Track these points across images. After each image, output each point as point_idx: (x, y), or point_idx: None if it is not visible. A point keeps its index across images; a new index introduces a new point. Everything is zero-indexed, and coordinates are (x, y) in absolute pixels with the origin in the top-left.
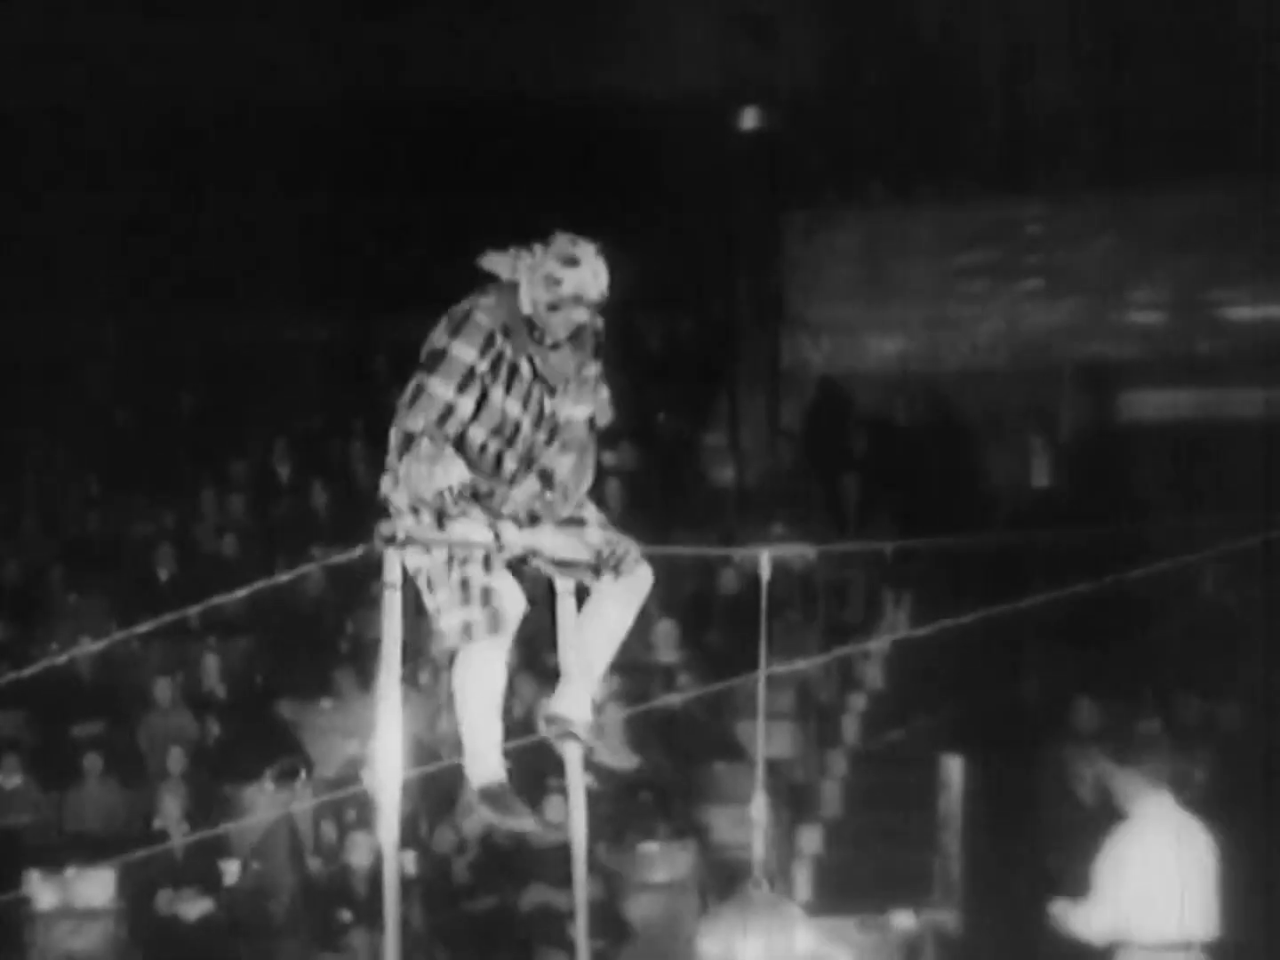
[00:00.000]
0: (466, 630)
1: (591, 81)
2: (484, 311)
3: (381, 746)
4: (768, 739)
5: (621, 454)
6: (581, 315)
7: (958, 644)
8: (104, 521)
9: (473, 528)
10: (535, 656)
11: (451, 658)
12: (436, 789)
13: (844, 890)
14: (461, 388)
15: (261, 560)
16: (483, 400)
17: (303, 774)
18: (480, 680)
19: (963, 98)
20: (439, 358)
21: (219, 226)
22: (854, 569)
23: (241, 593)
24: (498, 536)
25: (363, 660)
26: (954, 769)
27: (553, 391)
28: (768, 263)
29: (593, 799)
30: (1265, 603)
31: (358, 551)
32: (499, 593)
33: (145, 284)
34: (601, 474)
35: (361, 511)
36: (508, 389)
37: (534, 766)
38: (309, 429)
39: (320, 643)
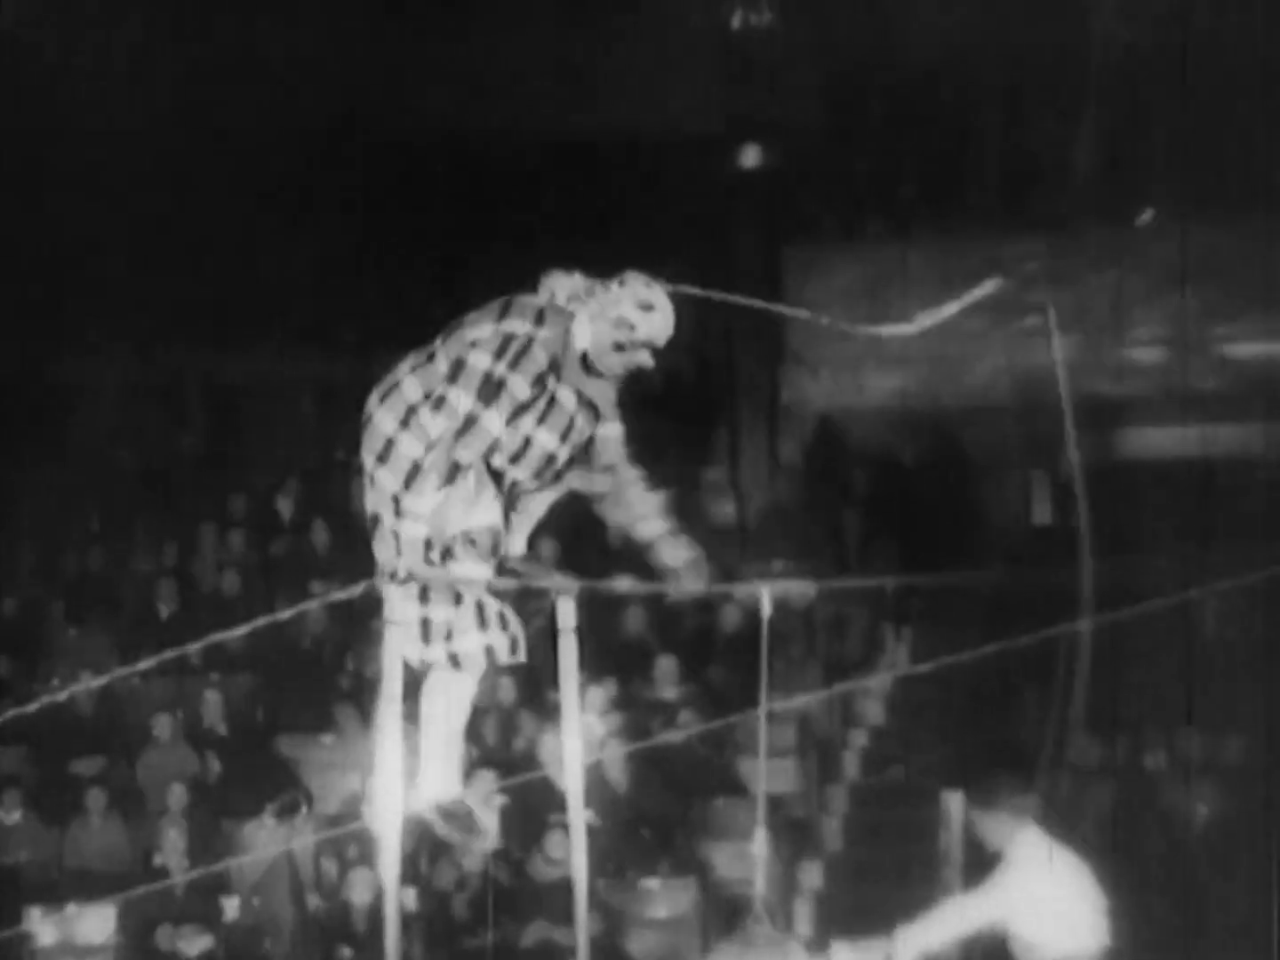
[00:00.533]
0: (489, 653)
1: (590, 119)
2: (542, 346)
3: (382, 783)
4: (769, 775)
5: None
6: (646, 359)
7: (959, 680)
8: (105, 557)
9: (474, 569)
10: (537, 692)
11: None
12: None
13: (845, 926)
14: (509, 422)
15: (262, 597)
16: (527, 443)
17: (303, 810)
18: (459, 704)
19: (962, 134)
20: (496, 389)
21: (219, 263)
22: (855, 605)
23: (242, 629)
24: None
25: (363, 696)
26: (955, 805)
27: (597, 416)
28: (767, 299)
29: (594, 835)
30: (1267, 639)
31: (359, 588)
32: (511, 619)
33: (146, 320)
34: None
35: (362, 548)
36: (541, 420)
37: (535, 802)
38: (309, 465)
39: (321, 679)
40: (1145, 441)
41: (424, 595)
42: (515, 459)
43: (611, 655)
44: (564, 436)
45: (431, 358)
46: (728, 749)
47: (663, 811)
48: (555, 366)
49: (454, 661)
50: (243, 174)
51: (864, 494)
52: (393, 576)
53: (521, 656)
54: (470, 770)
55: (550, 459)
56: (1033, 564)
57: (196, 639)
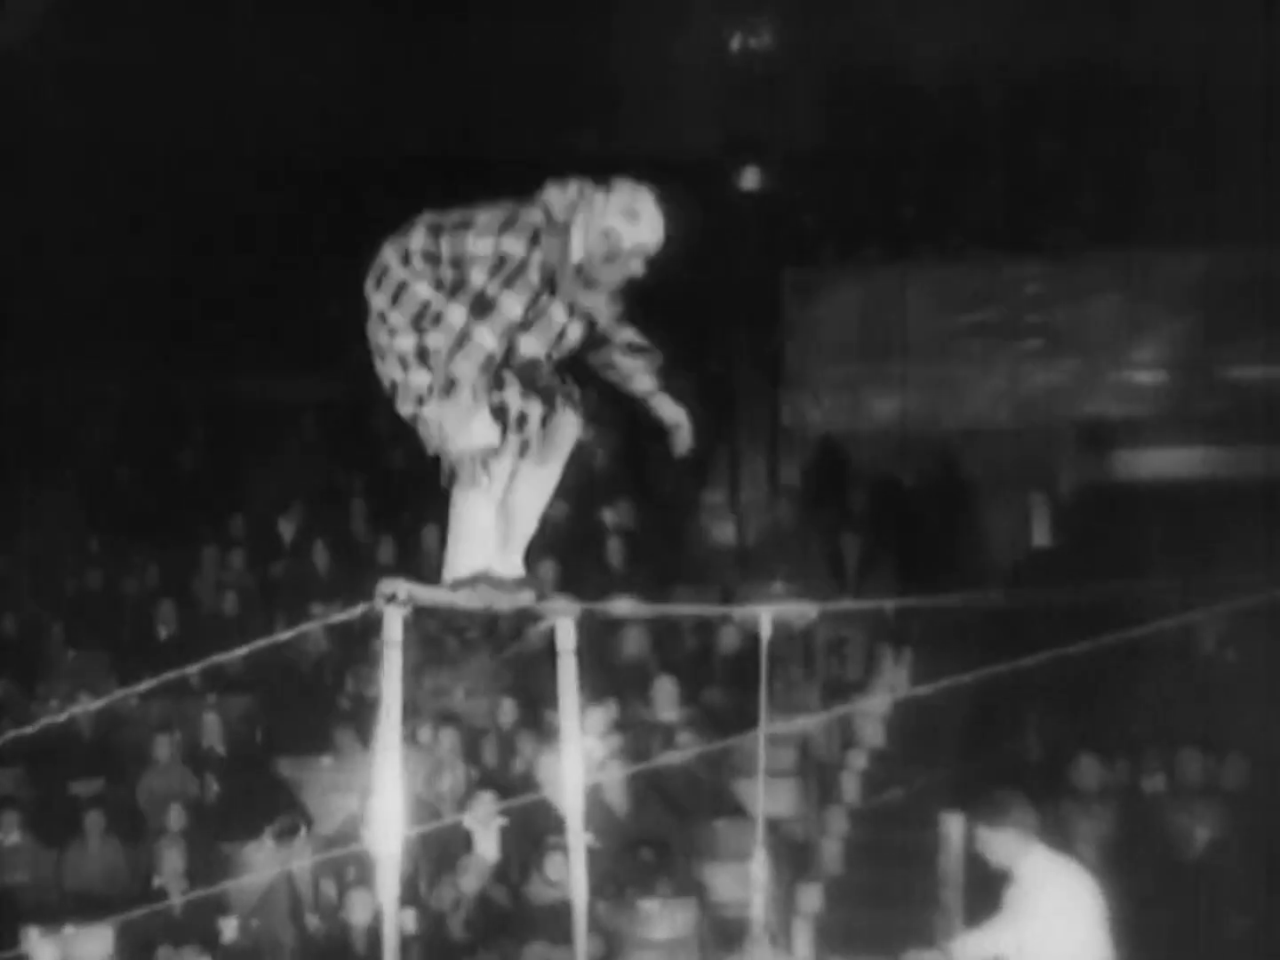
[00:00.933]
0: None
1: (590, 140)
2: (536, 268)
3: (381, 804)
4: (768, 796)
5: (621, 512)
6: (636, 267)
7: (958, 702)
8: (104, 579)
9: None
10: (536, 714)
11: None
12: (436, 847)
13: (844, 948)
14: (502, 338)
15: (262, 618)
16: (511, 350)
17: (302, 832)
18: (475, 514)
19: (963, 157)
20: (489, 306)
21: (220, 285)
22: (854, 627)
23: (242, 651)
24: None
25: (363, 718)
26: (954, 827)
27: (592, 326)
28: (767, 321)
29: (593, 856)
30: (1267, 661)
31: (358, 610)
32: (532, 422)
33: (147, 341)
34: (602, 532)
35: (362, 570)
36: (527, 328)
37: (534, 824)
38: (310, 487)
39: (320, 700)
40: (1146, 463)
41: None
42: (504, 363)
43: (611, 677)
44: (552, 345)
45: (438, 232)
46: (727, 770)
47: (662, 833)
48: (550, 283)
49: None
50: (244, 195)
51: (863, 516)
52: (392, 599)
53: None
54: (470, 792)
55: (533, 364)
56: (1032, 585)
57: (196, 660)
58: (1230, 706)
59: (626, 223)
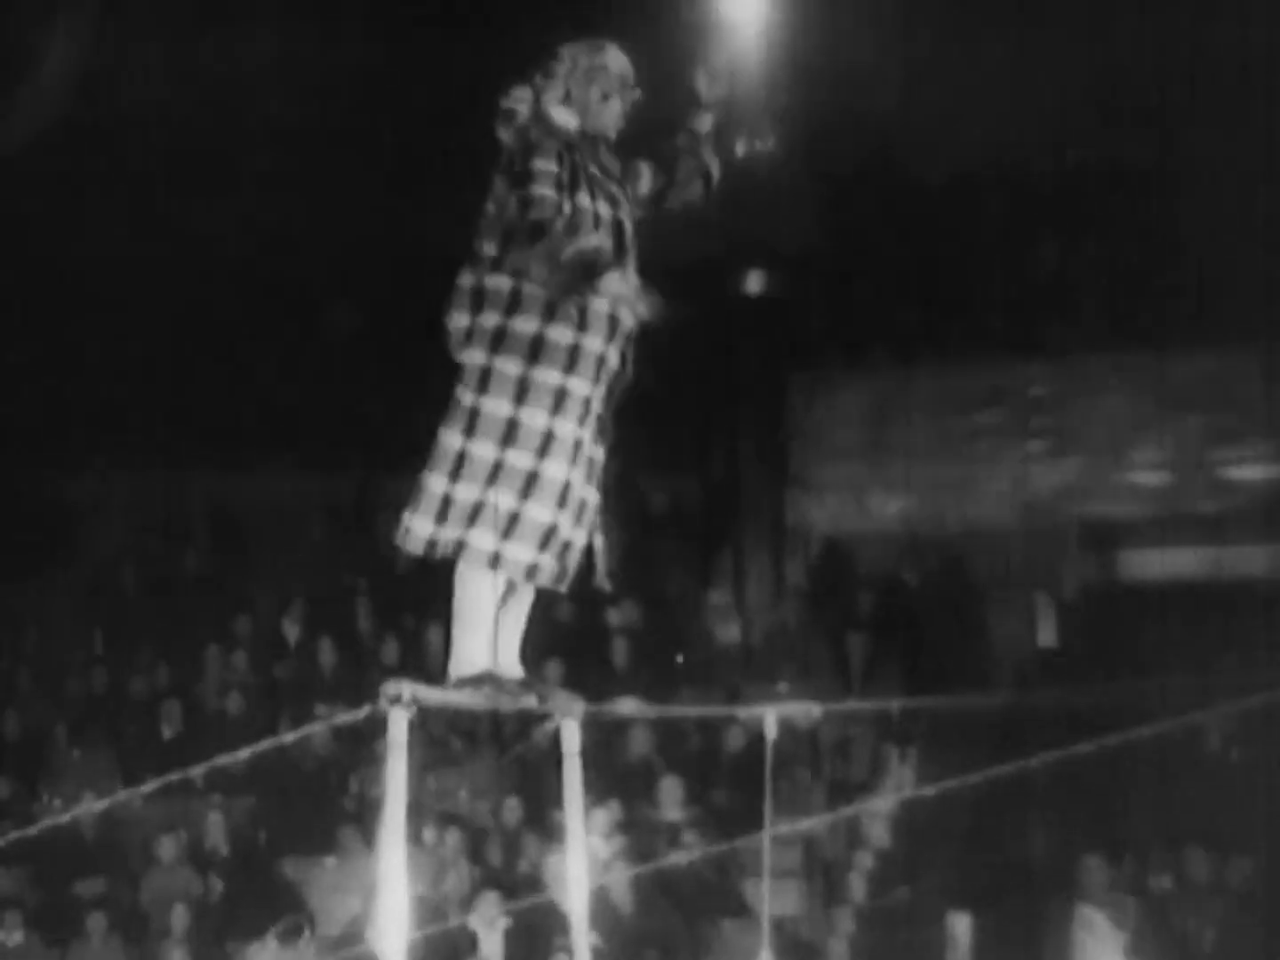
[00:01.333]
0: (531, 572)
1: None
2: (546, 135)
3: (385, 905)
4: (774, 897)
5: (626, 612)
6: (630, 97)
7: (964, 802)
8: (108, 679)
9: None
10: (541, 814)
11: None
12: (441, 948)
13: None
14: (558, 190)
15: (266, 719)
16: (573, 214)
17: (306, 932)
18: (485, 599)
19: (966, 260)
20: (528, 176)
21: (225, 385)
22: (860, 727)
23: (246, 752)
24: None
25: (367, 818)
26: (961, 926)
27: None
28: (772, 423)
29: (599, 958)
30: (1270, 760)
31: (363, 712)
32: (574, 550)
33: (150, 442)
34: (606, 633)
35: (367, 670)
36: (592, 195)
37: (540, 925)
38: (313, 587)
39: (324, 801)
40: (1150, 564)
41: (455, 472)
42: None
43: (616, 777)
44: (613, 205)
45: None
46: (732, 871)
47: (668, 933)
48: (569, 147)
49: (562, 574)
50: (247, 294)
51: (869, 616)
52: (396, 700)
53: (563, 587)
54: (474, 892)
55: (616, 223)
56: (1037, 686)
57: (200, 761)
58: (1236, 806)
59: (599, 55)
